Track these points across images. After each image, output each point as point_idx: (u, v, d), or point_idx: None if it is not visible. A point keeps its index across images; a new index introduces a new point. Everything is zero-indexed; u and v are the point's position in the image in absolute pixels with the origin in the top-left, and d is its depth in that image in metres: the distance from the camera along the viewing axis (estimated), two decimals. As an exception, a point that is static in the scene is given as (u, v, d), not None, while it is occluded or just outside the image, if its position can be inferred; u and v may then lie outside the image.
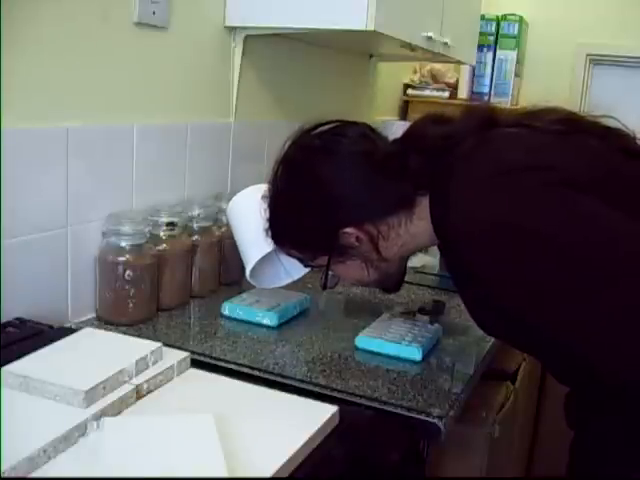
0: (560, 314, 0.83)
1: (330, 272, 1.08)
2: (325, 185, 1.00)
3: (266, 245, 1.16)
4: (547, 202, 0.84)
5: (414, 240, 1.03)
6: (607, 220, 0.83)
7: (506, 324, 0.96)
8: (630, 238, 0.82)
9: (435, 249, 1.38)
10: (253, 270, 1.28)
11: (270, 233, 1.10)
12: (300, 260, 1.12)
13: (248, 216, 1.25)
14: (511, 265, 0.84)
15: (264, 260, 1.27)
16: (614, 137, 0.97)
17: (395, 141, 1.04)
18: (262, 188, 1.18)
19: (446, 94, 2.91)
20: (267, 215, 1.09)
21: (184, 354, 1.00)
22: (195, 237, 1.45)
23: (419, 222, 1.00)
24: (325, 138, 1.03)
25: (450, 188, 0.91)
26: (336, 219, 1.00)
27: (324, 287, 1.10)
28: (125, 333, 1.19)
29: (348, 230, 1.00)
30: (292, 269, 1.30)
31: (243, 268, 1.59)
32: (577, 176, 0.86)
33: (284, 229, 1.08)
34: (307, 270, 1.24)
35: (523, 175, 0.86)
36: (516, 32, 2.93)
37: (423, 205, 0.98)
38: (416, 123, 1.05)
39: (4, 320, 1.11)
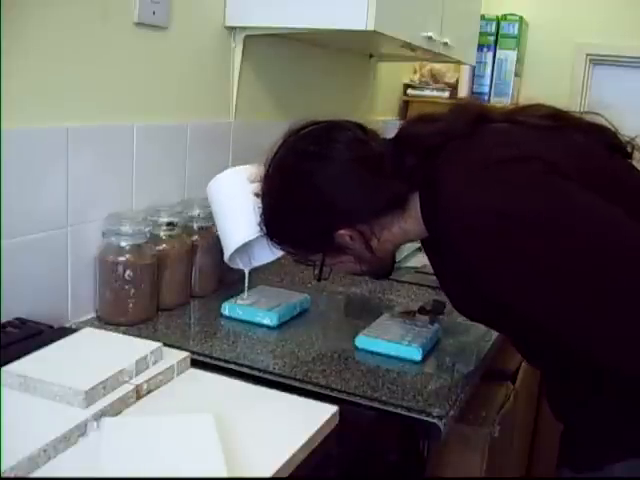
0: (546, 299, 0.84)
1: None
2: (320, 190, 1.01)
3: (246, 233, 1.20)
4: (535, 189, 0.85)
5: (406, 235, 1.05)
6: (595, 206, 0.85)
7: (491, 311, 0.98)
8: (615, 223, 0.84)
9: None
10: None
11: (264, 230, 1.11)
12: (293, 255, 1.14)
13: (229, 199, 1.27)
14: (501, 252, 0.85)
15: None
16: (597, 133, 1.00)
17: (388, 142, 1.05)
18: (243, 170, 1.22)
19: (446, 94, 2.91)
20: (260, 212, 1.11)
21: (184, 354, 1.00)
22: (195, 237, 1.45)
23: (410, 219, 1.01)
24: (319, 143, 1.03)
25: (439, 182, 0.92)
26: (330, 222, 1.02)
27: (318, 280, 1.13)
28: (125, 333, 1.19)
29: (342, 231, 1.02)
30: (263, 254, 1.32)
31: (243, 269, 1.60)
32: (563, 167, 0.88)
33: (279, 228, 1.10)
34: (280, 254, 1.26)
35: (511, 165, 0.88)
36: (516, 32, 2.93)
37: (414, 202, 1.00)
38: (407, 124, 1.07)
39: (4, 320, 1.11)
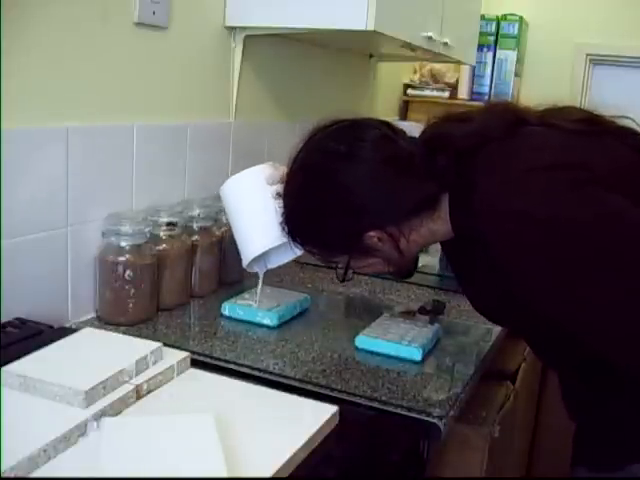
0: (579, 305, 0.84)
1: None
2: (349, 192, 0.98)
3: (266, 240, 1.16)
4: (576, 198, 0.85)
5: (433, 236, 1.03)
6: (628, 213, 0.85)
7: (513, 312, 0.97)
8: None
9: (435, 248, 1.39)
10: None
11: (287, 230, 1.08)
12: (317, 257, 1.10)
13: (247, 203, 1.23)
14: (537, 257, 0.85)
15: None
16: (629, 136, 0.99)
17: (417, 141, 1.02)
18: (260, 171, 1.19)
19: (446, 94, 2.91)
20: (282, 212, 1.08)
21: (184, 354, 1.01)
22: (195, 237, 1.45)
23: (440, 220, 0.99)
24: (346, 142, 1.00)
25: (478, 184, 0.91)
26: (360, 224, 0.99)
27: (342, 280, 1.10)
28: (125, 333, 1.19)
29: (371, 233, 0.99)
30: (278, 257, 1.29)
31: (243, 268, 1.60)
32: (602, 174, 0.88)
33: (304, 230, 1.07)
34: (295, 255, 1.22)
35: (552, 172, 0.87)
36: (516, 32, 2.93)
37: (444, 203, 0.98)
38: (439, 123, 1.04)
39: (4, 320, 1.11)
